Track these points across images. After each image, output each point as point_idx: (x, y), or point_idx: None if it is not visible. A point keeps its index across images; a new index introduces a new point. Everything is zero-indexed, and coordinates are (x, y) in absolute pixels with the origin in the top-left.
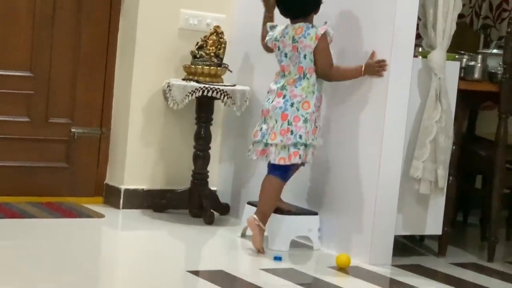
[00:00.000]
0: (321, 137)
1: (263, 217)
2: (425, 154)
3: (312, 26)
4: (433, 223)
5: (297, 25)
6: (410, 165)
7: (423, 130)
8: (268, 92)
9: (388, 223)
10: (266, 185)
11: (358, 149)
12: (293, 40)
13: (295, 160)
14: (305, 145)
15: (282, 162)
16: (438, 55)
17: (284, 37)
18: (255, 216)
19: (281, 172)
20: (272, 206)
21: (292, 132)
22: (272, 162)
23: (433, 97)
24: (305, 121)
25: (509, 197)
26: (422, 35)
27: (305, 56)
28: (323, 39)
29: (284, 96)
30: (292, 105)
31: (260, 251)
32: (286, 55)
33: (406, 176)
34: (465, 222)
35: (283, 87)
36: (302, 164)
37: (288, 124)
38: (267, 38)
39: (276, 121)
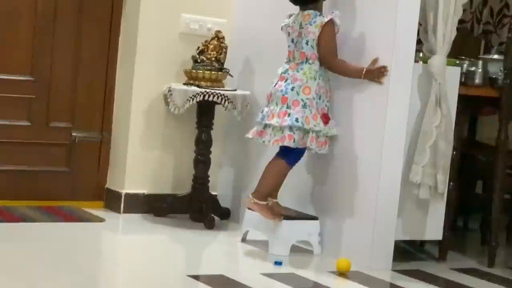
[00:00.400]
0: (335, 126)
1: (258, 195)
2: (425, 159)
3: (320, 14)
4: (433, 228)
5: (306, 12)
6: (410, 170)
7: (422, 135)
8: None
9: (388, 228)
10: (271, 166)
11: (358, 153)
12: (300, 26)
13: (289, 143)
14: (304, 130)
15: (276, 144)
16: (438, 60)
17: (294, 23)
18: (250, 196)
19: (289, 156)
20: (270, 186)
21: (289, 115)
22: (266, 143)
23: (433, 102)
24: (304, 106)
25: (510, 202)
26: (423, 40)
27: (307, 42)
28: (328, 27)
29: (286, 80)
30: (292, 89)
31: (276, 220)
32: (293, 41)
33: (406, 181)
34: (465, 227)
35: (286, 71)
36: (309, 149)
37: (287, 108)
38: (282, 25)
39: (277, 104)
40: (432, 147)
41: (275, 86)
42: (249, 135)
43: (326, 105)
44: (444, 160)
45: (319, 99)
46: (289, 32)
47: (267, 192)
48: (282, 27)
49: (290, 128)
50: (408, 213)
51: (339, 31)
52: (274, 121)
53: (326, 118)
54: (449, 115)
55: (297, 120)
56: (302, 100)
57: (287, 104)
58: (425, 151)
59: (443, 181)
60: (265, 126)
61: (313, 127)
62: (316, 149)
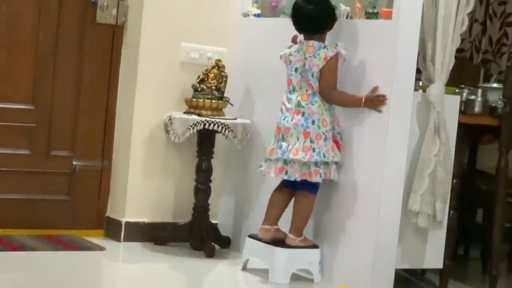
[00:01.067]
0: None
1: (299, 233)
2: (423, 187)
3: (324, 47)
4: (434, 256)
5: (310, 42)
6: (408, 198)
7: (421, 163)
8: (281, 110)
9: (389, 256)
10: (303, 201)
11: (358, 181)
12: (304, 57)
13: (316, 179)
14: (326, 163)
15: (304, 178)
16: (437, 88)
17: (298, 52)
18: (291, 236)
19: (314, 188)
20: (306, 220)
21: (314, 149)
22: (297, 179)
23: (431, 130)
24: (325, 139)
25: (510, 230)
26: (421, 68)
27: (312, 75)
28: (332, 62)
29: (303, 114)
30: (313, 122)
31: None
32: (296, 70)
33: (406, 208)
34: (466, 256)
35: (299, 104)
36: (331, 181)
37: (311, 142)
38: (281, 53)
39: (298, 139)
40: (431, 175)
41: (292, 120)
42: (271, 173)
43: (338, 133)
44: (443, 188)
45: (333, 129)
46: (291, 61)
47: (304, 227)
48: (281, 56)
49: (316, 163)
50: (408, 241)
51: (345, 59)
52: (300, 157)
53: (338, 145)
54: (447, 144)
55: (324, 155)
56: (323, 133)
57: (310, 139)
58: (424, 179)
59: (441, 209)
60: (285, 161)
61: (332, 158)
62: (336, 177)
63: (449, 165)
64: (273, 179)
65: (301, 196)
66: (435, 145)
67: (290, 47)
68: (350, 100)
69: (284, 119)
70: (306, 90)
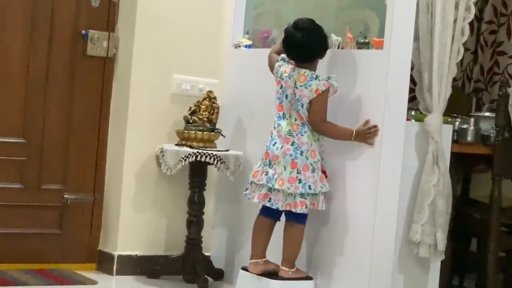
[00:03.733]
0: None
1: (291, 264)
2: (424, 217)
3: (316, 77)
4: (428, 287)
5: (302, 71)
6: (409, 229)
7: (421, 194)
8: (271, 135)
9: (383, 287)
10: (291, 232)
11: (352, 212)
12: (295, 85)
13: (301, 209)
14: (314, 194)
15: (287, 208)
16: (435, 118)
17: (289, 78)
18: (284, 268)
19: (302, 218)
20: (297, 251)
21: (300, 181)
22: (280, 208)
23: (430, 160)
24: (313, 170)
25: (505, 260)
26: (419, 99)
27: (302, 105)
28: (323, 95)
29: (293, 144)
30: (301, 153)
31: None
32: (287, 97)
33: (407, 239)
34: (461, 286)
35: (290, 133)
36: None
37: (297, 173)
38: (276, 65)
39: (285, 168)
40: (431, 205)
41: (282, 148)
42: (254, 199)
43: (325, 162)
44: (443, 218)
45: (322, 159)
46: (282, 85)
47: (295, 258)
48: (275, 68)
49: (302, 194)
50: (409, 272)
51: (337, 91)
52: (285, 187)
53: (325, 174)
54: (446, 173)
55: (310, 187)
56: (311, 164)
57: (297, 169)
58: (424, 210)
59: (442, 239)
60: (270, 189)
61: (321, 189)
62: (323, 208)
63: (448, 194)
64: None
65: (288, 227)
66: (434, 175)
67: (283, 60)
68: (340, 133)
69: (273, 145)
70: (295, 120)
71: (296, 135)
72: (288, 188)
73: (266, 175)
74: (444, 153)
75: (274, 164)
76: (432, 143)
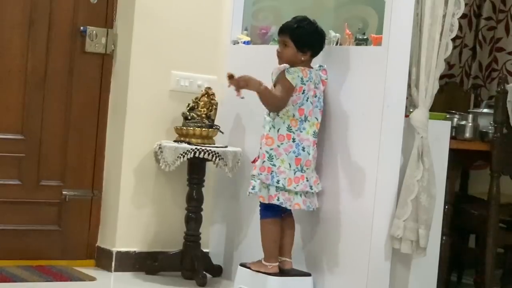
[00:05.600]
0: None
1: (267, 258)
2: (407, 213)
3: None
4: (426, 283)
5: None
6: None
7: (404, 189)
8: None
9: (381, 283)
10: (261, 231)
11: (350, 210)
12: (315, 85)
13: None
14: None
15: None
16: (421, 113)
17: (311, 81)
18: (262, 261)
19: (266, 211)
20: (272, 247)
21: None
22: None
23: (415, 155)
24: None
25: (503, 256)
26: (406, 94)
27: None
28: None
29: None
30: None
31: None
32: (307, 99)
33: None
34: (459, 282)
35: (315, 134)
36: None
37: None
38: (306, 77)
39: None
40: (414, 201)
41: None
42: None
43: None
44: (426, 214)
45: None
46: (305, 89)
47: (275, 253)
48: (304, 80)
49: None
50: (399, 268)
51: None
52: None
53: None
54: (431, 169)
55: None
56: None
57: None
58: (407, 205)
59: (425, 235)
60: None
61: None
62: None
63: (432, 190)
64: None
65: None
66: (418, 171)
67: (309, 71)
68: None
69: (312, 148)
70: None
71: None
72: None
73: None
74: (429, 148)
75: (309, 168)
76: (417, 138)
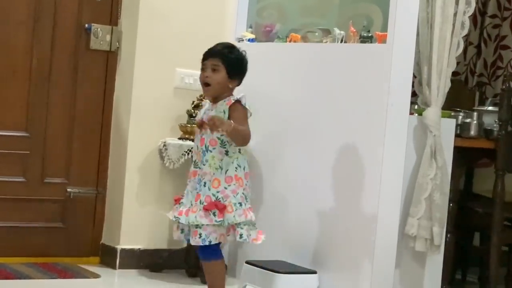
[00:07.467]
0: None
1: None
2: (420, 211)
3: None
4: (431, 281)
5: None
6: (406, 223)
7: (418, 187)
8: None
9: (386, 281)
10: (213, 273)
11: (355, 209)
12: None
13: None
14: None
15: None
16: (433, 112)
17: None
18: None
19: (217, 250)
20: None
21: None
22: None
23: (428, 154)
24: None
25: (508, 254)
26: (418, 92)
27: None
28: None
29: None
30: None
31: None
32: None
33: (403, 233)
34: (463, 280)
35: None
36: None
37: None
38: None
39: None
40: (428, 199)
41: None
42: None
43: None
44: (440, 212)
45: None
46: None
47: None
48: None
49: None
50: (406, 266)
51: None
52: None
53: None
54: (444, 167)
55: None
56: None
57: None
58: (421, 203)
59: (439, 233)
60: None
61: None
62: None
63: (446, 189)
64: (269, 205)
65: None
66: (432, 169)
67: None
68: None
69: None
70: None
71: None
72: None
73: None
74: (442, 147)
75: None
76: (430, 136)
